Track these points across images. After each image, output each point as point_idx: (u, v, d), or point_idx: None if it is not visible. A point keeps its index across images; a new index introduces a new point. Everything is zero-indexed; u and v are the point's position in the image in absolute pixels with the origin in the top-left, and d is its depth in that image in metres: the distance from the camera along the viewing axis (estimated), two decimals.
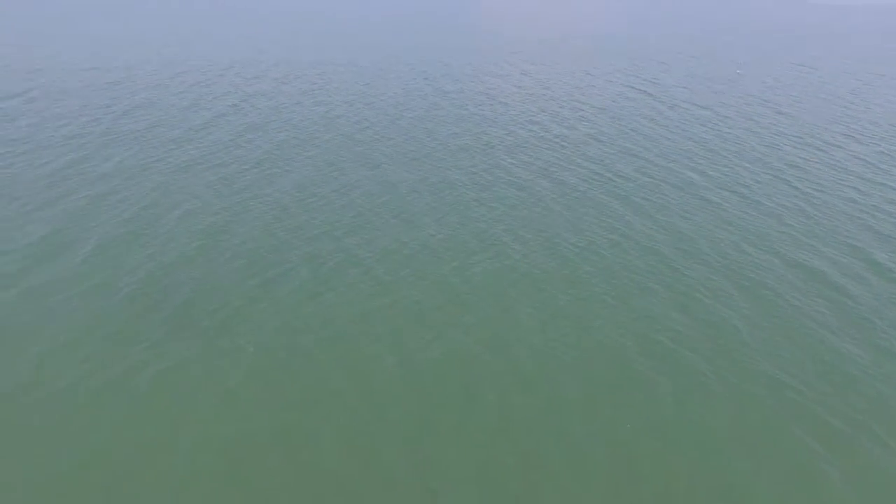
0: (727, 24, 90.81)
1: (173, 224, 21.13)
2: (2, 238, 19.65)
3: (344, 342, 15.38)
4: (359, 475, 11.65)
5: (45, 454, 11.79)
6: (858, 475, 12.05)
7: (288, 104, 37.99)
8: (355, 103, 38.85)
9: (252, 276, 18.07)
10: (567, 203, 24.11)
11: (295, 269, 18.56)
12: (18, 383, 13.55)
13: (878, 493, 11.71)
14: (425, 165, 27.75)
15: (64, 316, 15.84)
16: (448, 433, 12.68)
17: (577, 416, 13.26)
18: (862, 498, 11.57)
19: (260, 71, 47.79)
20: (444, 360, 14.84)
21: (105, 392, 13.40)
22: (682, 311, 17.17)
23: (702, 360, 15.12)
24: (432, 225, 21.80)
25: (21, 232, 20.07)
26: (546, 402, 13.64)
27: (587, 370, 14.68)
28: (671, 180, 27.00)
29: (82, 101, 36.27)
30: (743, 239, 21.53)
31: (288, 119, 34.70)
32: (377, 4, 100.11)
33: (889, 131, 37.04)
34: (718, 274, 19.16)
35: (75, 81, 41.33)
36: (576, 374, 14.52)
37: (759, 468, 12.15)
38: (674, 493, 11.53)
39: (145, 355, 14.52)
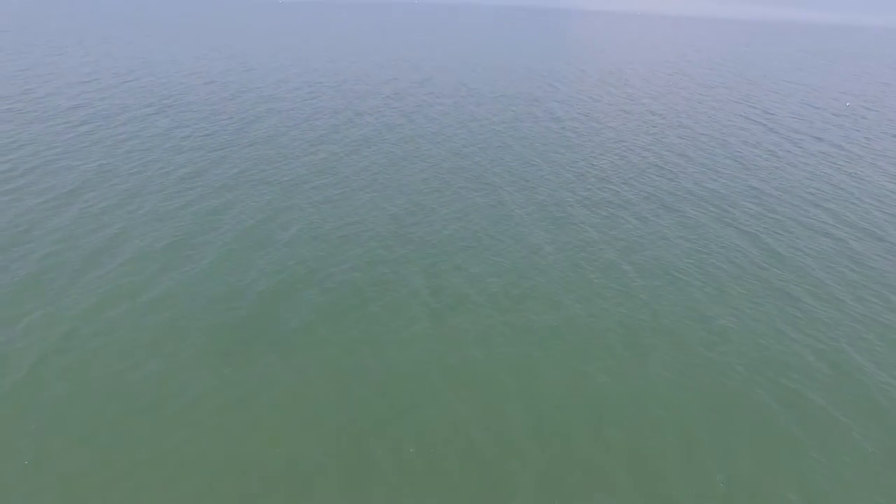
0: (819, 48, 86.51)
1: (288, 238, 22.62)
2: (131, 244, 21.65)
3: (470, 368, 15.96)
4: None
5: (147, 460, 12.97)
6: None
7: (400, 121, 39.43)
8: (467, 124, 39.78)
9: (372, 299, 19.03)
10: (687, 236, 23.79)
11: (416, 291, 19.40)
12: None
13: None
14: (541, 191, 28.09)
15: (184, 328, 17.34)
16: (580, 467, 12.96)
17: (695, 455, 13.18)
18: None
19: (371, 87, 49.76)
20: (567, 392, 15.09)
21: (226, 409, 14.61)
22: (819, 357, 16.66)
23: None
24: (552, 253, 22.09)
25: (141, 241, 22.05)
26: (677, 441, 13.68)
27: (720, 416, 14.55)
28: (796, 217, 26.08)
29: (208, 113, 39.14)
30: (883, 286, 20.56)
31: (401, 136, 36.04)
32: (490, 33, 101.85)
33: None
34: (860, 323, 18.42)
35: (201, 94, 44.55)
36: (707, 418, 14.42)
37: None
38: None
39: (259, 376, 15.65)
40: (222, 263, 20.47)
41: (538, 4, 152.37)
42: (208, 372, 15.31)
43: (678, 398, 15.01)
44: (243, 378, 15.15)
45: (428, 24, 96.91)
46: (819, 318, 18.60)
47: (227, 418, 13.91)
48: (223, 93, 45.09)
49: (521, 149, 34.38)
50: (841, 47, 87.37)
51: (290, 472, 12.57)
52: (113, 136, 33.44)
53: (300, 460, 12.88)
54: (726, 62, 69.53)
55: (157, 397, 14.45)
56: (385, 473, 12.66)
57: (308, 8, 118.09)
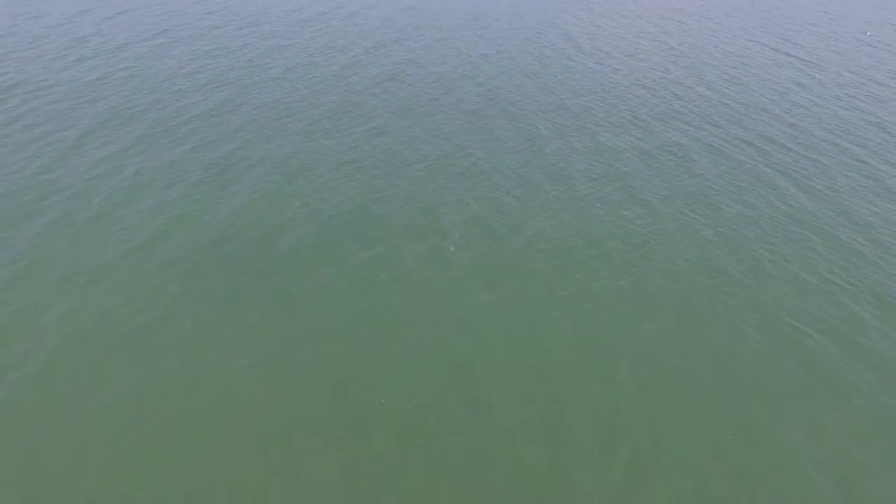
0: None
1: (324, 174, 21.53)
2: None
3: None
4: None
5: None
6: None
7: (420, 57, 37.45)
8: (491, 57, 37.87)
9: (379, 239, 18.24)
10: (729, 174, 22.98)
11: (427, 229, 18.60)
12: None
13: None
14: (565, 121, 26.92)
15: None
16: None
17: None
18: None
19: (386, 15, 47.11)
20: (574, 335, 14.66)
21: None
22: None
23: None
24: (566, 192, 21.27)
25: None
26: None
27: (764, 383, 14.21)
28: (835, 155, 25.23)
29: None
30: None
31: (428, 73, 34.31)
32: None
33: None
34: None
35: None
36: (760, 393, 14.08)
37: None
38: None
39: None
40: (228, 208, 19.50)
41: None
42: (205, 322, 14.74)
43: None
44: (244, 326, 14.68)
45: None
46: (859, 261, 18.17)
47: (223, 368, 13.47)
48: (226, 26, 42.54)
49: (533, 78, 32.86)
50: None
51: (285, 421, 12.25)
52: (115, 75, 31.48)
53: (298, 409, 12.58)
54: None
55: (150, 350, 13.89)
56: (387, 421, 12.35)
57: None
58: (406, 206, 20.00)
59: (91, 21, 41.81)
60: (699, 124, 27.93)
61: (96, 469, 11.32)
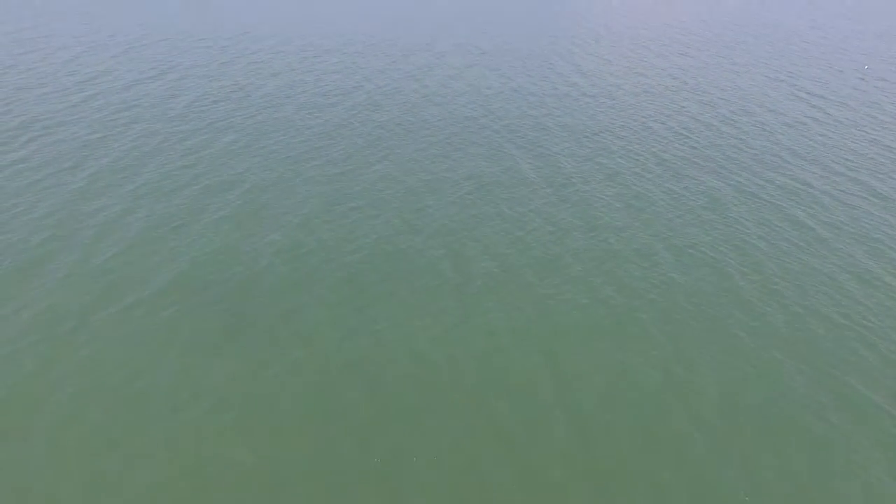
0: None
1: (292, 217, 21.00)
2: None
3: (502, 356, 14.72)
4: None
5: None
6: None
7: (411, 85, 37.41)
8: (481, 90, 37.82)
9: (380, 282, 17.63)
10: (718, 210, 22.49)
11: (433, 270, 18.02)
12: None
13: None
14: (564, 164, 26.58)
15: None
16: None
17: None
18: None
19: (377, 48, 47.34)
20: (602, 379, 13.96)
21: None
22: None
23: None
24: (578, 231, 20.77)
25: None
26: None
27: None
28: (829, 189, 24.82)
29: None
30: None
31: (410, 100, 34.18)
32: None
33: None
34: None
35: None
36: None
37: None
38: None
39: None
40: (221, 245, 19.00)
41: None
42: (199, 365, 14.21)
43: (723, 389, 13.96)
44: (237, 370, 14.09)
45: None
46: (866, 302, 17.58)
47: (213, 417, 12.84)
48: (222, 57, 42.68)
49: (536, 115, 32.67)
50: (855, 5, 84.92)
51: (275, 480, 11.55)
52: (112, 105, 31.35)
53: (285, 463, 11.90)
54: (740, 21, 67.26)
55: (136, 400, 13.27)
56: (381, 481, 11.63)
57: None
58: (423, 250, 19.53)
59: (95, 59, 41.94)
60: (724, 164, 27.62)
61: None
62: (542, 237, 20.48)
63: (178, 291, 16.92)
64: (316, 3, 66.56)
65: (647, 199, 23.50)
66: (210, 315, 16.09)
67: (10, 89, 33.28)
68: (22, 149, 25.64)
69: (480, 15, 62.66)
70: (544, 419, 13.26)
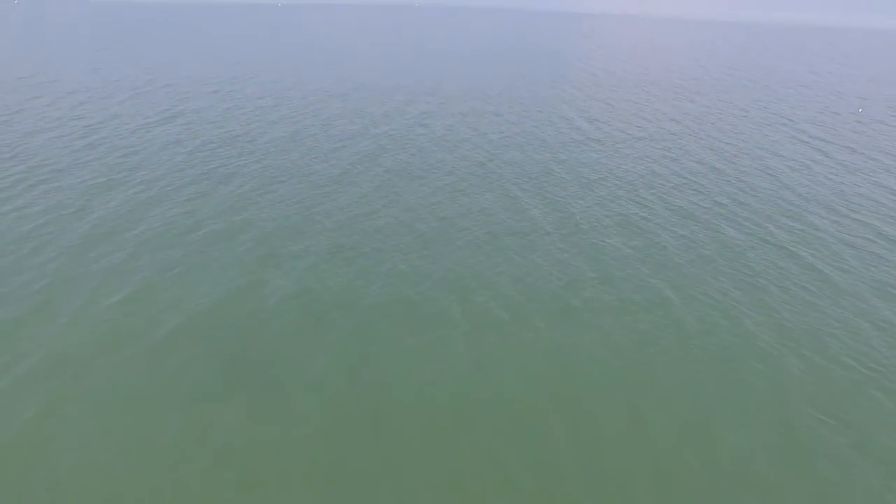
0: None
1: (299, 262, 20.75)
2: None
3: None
4: None
5: None
6: None
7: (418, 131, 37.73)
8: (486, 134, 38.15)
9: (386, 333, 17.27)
10: (725, 254, 22.28)
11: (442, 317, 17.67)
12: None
13: None
14: (571, 207, 26.55)
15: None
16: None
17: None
18: None
19: (381, 95, 48.03)
20: (617, 426, 13.44)
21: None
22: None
23: None
24: (589, 274, 20.52)
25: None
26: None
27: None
28: (836, 232, 24.70)
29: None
30: None
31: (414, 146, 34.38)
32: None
33: None
34: None
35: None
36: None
37: None
38: None
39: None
40: (226, 292, 18.67)
41: (528, 6, 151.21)
42: (204, 413, 13.60)
43: (740, 437, 13.45)
44: (243, 418, 13.43)
45: (429, 25, 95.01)
46: (879, 347, 17.17)
47: (219, 466, 12.20)
48: (226, 103, 43.22)
49: (538, 157, 32.83)
50: (847, 49, 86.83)
51: None
52: (117, 151, 31.51)
53: None
54: (737, 66, 68.52)
55: (150, 446, 12.62)
56: None
57: (309, 10, 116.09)
58: (427, 293, 19.23)
59: (100, 105, 42.45)
60: (731, 207, 27.58)
61: None
62: (551, 283, 20.23)
63: (182, 338, 16.57)
64: (319, 49, 67.93)
65: (657, 245, 23.35)
66: (215, 362, 15.71)
67: (18, 135, 33.55)
68: (26, 193, 25.63)
69: (482, 62, 63.88)
70: (556, 468, 12.75)
